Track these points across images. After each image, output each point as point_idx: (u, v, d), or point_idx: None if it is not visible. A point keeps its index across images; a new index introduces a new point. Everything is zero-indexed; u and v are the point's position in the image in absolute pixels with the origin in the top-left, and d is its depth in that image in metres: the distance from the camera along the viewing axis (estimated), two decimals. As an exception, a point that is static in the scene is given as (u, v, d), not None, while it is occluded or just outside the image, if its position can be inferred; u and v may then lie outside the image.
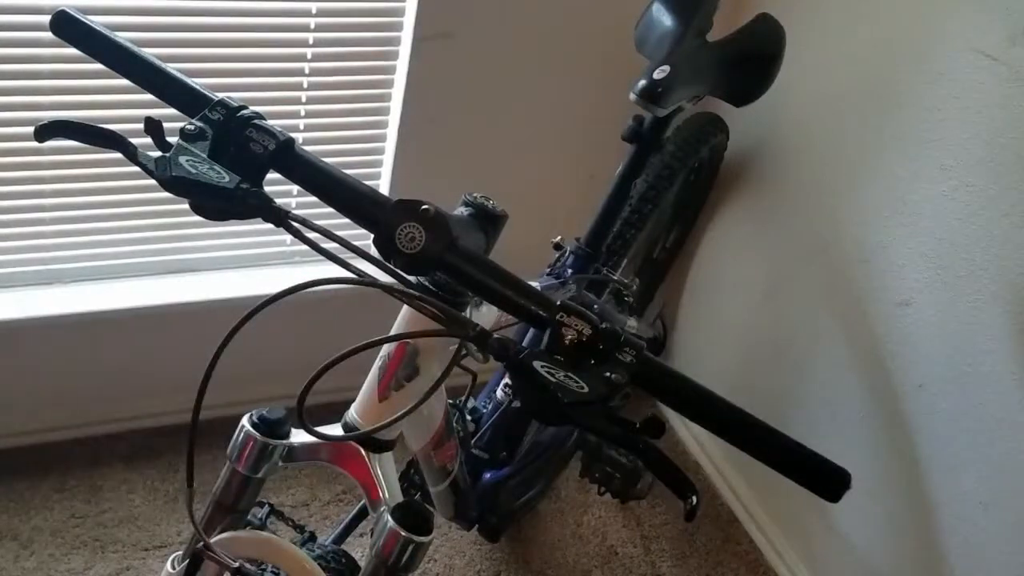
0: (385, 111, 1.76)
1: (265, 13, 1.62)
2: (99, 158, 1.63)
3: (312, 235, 0.75)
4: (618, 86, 1.41)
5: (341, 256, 0.75)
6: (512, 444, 1.59)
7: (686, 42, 1.45)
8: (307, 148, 0.78)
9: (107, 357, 1.81)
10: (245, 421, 0.91)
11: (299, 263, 1.88)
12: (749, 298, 1.95)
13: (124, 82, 0.79)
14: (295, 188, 1.05)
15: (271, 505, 1.07)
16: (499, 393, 1.55)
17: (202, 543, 0.88)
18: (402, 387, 0.90)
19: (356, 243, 0.75)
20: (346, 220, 0.77)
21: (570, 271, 1.55)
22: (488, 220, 0.85)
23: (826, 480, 0.64)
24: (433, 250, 0.69)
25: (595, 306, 0.66)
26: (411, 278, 0.80)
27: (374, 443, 0.92)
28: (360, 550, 1.58)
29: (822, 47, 1.66)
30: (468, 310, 0.90)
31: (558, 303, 0.65)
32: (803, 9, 1.66)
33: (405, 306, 0.87)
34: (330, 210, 0.78)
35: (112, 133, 0.75)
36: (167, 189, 0.70)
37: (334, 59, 1.67)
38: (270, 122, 0.77)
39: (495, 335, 0.69)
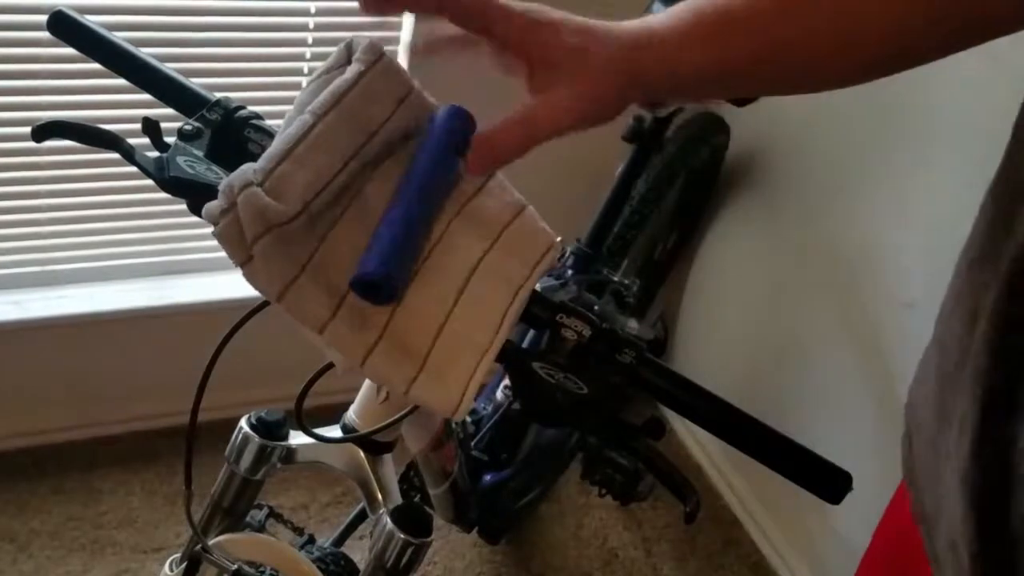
0: (384, 112, 1.75)
1: (264, 13, 1.61)
2: (97, 158, 1.63)
3: (310, 235, 0.74)
4: (618, 86, 1.40)
5: (340, 256, 0.74)
6: (512, 446, 1.58)
7: (686, 42, 1.45)
8: (305, 148, 0.78)
9: (105, 358, 1.81)
10: (243, 423, 0.91)
11: (298, 264, 1.87)
12: (751, 299, 1.94)
13: (121, 82, 0.78)
14: (294, 189, 1.04)
15: (270, 507, 1.06)
16: (499, 395, 1.54)
17: (200, 545, 0.87)
18: (401, 388, 0.90)
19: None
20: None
21: (570, 272, 1.55)
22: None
23: (828, 482, 0.64)
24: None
25: (595, 307, 0.66)
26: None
27: (373, 445, 0.92)
28: (360, 552, 1.57)
29: (823, 47, 1.65)
30: (468, 311, 0.90)
31: (558, 304, 0.64)
32: (803, 9, 1.66)
33: (404, 307, 0.87)
34: (328, 210, 0.77)
35: (109, 133, 0.74)
36: (165, 190, 0.70)
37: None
38: (268, 122, 0.76)
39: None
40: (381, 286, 0.55)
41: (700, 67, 0.59)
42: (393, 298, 0.57)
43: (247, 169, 0.54)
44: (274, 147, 0.56)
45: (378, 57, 0.60)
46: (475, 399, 1.74)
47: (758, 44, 0.59)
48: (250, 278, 0.55)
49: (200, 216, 0.68)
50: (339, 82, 0.59)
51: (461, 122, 0.60)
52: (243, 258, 0.54)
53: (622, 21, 0.61)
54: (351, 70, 0.59)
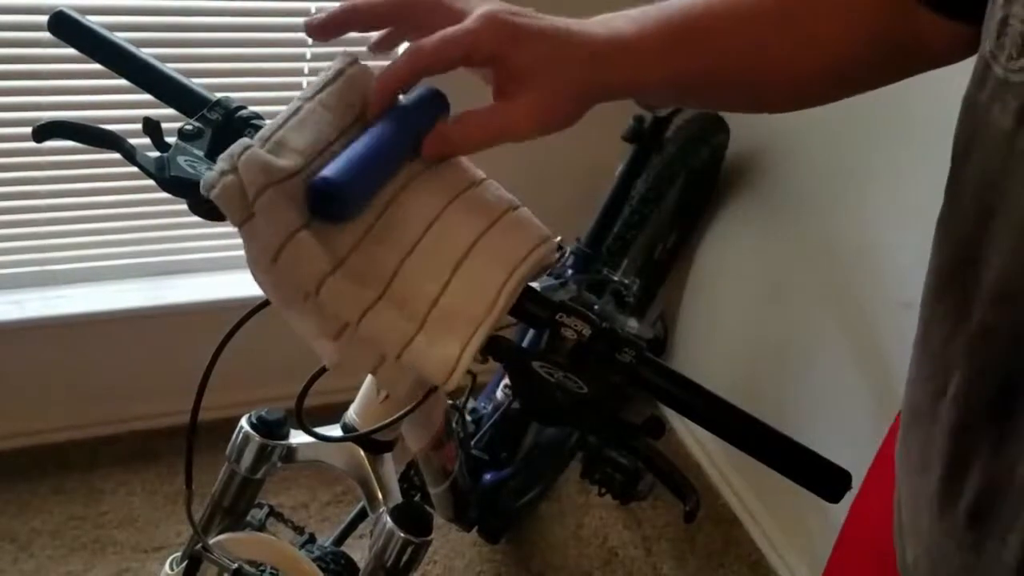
0: (384, 112, 1.75)
1: (264, 13, 1.62)
2: (97, 158, 1.63)
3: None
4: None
5: (340, 256, 0.74)
6: (512, 445, 1.59)
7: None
8: (306, 148, 0.78)
9: (106, 358, 1.81)
10: (244, 422, 0.91)
11: (298, 264, 1.87)
12: (751, 299, 1.94)
13: (122, 82, 0.78)
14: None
15: (270, 506, 1.06)
16: (499, 394, 1.54)
17: (201, 544, 0.87)
18: (401, 388, 0.90)
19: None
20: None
21: (570, 271, 1.55)
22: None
23: (827, 480, 0.64)
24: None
25: (595, 306, 0.66)
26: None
27: (373, 444, 0.92)
28: (360, 551, 1.57)
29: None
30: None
31: (558, 303, 0.65)
32: (803, 9, 1.66)
33: (404, 307, 0.87)
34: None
35: (110, 133, 0.74)
36: (165, 189, 0.70)
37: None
38: (269, 123, 0.76)
39: (494, 335, 0.69)
40: (335, 196, 0.56)
41: (663, 77, 0.61)
42: (343, 214, 0.57)
43: (244, 140, 0.56)
44: (268, 125, 0.59)
45: (353, 60, 0.63)
46: (475, 399, 1.74)
47: (713, 55, 0.61)
48: (249, 236, 0.56)
49: (201, 216, 0.68)
50: (320, 77, 0.63)
51: (432, 95, 0.63)
52: (243, 216, 0.55)
53: (592, 20, 0.62)
54: (330, 69, 0.63)
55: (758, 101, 0.68)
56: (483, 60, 0.59)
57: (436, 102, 0.63)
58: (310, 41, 1.66)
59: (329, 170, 0.56)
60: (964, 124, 0.55)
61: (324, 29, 0.62)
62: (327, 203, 0.56)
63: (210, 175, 0.55)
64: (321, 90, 0.61)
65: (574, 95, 0.60)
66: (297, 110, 0.60)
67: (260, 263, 0.56)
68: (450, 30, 0.58)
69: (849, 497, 0.67)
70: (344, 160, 0.57)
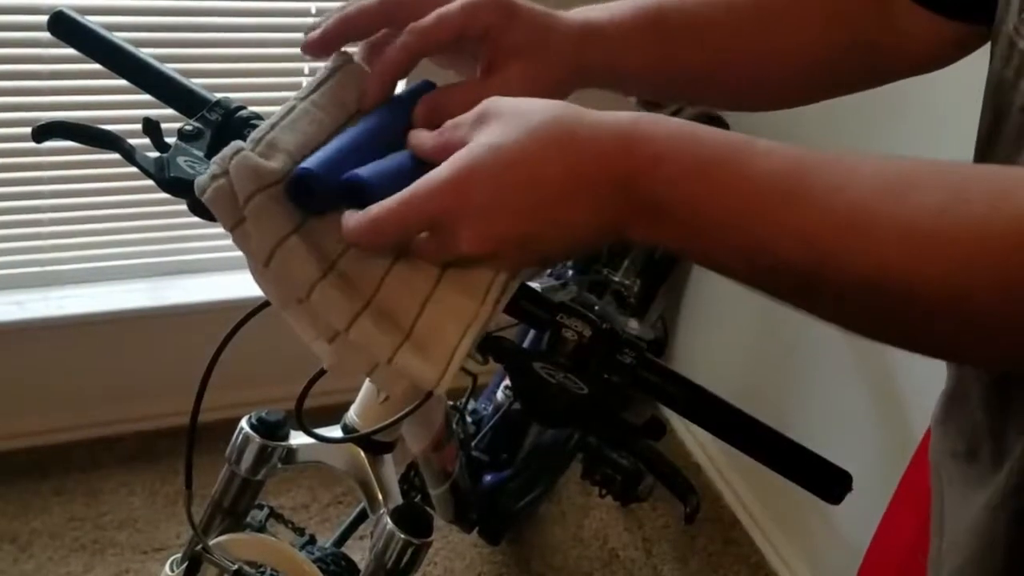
0: (385, 112, 1.76)
1: (264, 13, 1.62)
2: (98, 159, 1.63)
3: (311, 236, 0.74)
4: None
5: (340, 256, 0.74)
6: (513, 446, 1.58)
7: (687, 42, 1.45)
8: (306, 148, 0.78)
9: (107, 359, 1.81)
10: (244, 423, 0.91)
11: (299, 264, 1.87)
12: (751, 299, 1.94)
13: (122, 82, 0.78)
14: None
15: (270, 507, 1.06)
16: (499, 395, 1.54)
17: (201, 545, 0.87)
18: (401, 388, 0.90)
19: (355, 244, 0.75)
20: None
21: (571, 272, 1.55)
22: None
23: (828, 482, 0.64)
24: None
25: (595, 307, 0.66)
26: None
27: (373, 445, 0.92)
28: (360, 553, 1.57)
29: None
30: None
31: (558, 304, 0.65)
32: (804, 9, 1.66)
33: (404, 307, 0.87)
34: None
35: (110, 134, 0.74)
36: (165, 190, 0.70)
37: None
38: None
39: (495, 336, 0.69)
40: (311, 187, 0.56)
41: (637, 64, 0.63)
42: (323, 206, 0.57)
43: (237, 142, 0.56)
44: (261, 126, 0.59)
45: (348, 59, 0.65)
46: (476, 400, 1.73)
47: (686, 45, 0.63)
48: (240, 240, 0.56)
49: (201, 216, 0.68)
50: (316, 76, 0.64)
51: (426, 87, 0.64)
52: (234, 220, 0.56)
53: (568, 11, 0.64)
54: (325, 68, 0.64)
55: (738, 95, 0.69)
56: (478, 34, 0.60)
57: (431, 89, 0.64)
58: (310, 41, 1.67)
59: (308, 161, 0.56)
60: (990, 107, 0.55)
61: (322, 45, 0.63)
62: (305, 194, 0.56)
63: (202, 179, 0.56)
64: (315, 90, 0.62)
65: (556, 77, 0.62)
66: (290, 110, 0.60)
67: (253, 266, 0.56)
68: (444, 8, 0.59)
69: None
70: (324, 151, 0.57)
